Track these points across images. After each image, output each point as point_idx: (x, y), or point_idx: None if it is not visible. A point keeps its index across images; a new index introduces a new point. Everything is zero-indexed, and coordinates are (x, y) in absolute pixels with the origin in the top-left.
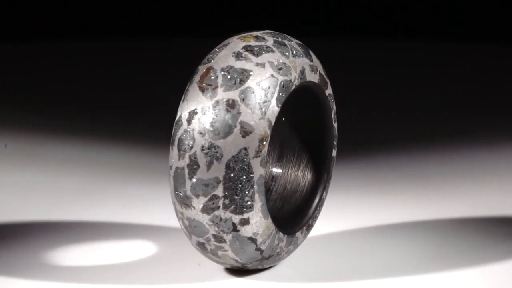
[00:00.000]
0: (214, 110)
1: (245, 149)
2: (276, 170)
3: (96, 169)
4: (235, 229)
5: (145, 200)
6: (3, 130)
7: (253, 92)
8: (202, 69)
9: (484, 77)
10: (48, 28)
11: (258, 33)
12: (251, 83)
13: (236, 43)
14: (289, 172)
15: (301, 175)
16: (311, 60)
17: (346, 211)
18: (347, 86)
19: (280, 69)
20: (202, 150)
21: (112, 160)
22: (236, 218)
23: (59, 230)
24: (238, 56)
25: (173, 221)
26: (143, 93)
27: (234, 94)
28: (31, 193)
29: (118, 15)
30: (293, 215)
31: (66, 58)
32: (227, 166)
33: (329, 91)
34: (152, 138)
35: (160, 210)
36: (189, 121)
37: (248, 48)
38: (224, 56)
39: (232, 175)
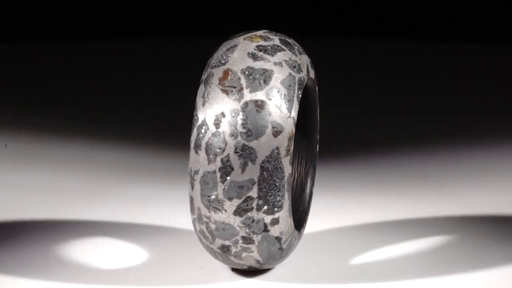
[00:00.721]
0: (244, 111)
1: (277, 148)
2: None
3: (96, 169)
4: (265, 229)
5: (145, 201)
6: (3, 130)
7: (278, 91)
8: (217, 71)
9: (484, 78)
10: (48, 29)
11: (260, 32)
12: (274, 82)
13: (246, 44)
14: None
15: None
16: (309, 57)
17: (346, 211)
18: (346, 86)
19: (294, 67)
20: (236, 152)
21: (112, 160)
22: (268, 219)
23: (59, 230)
24: (254, 56)
25: (173, 221)
26: (143, 94)
27: (261, 95)
28: (31, 193)
29: (118, 15)
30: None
31: (66, 59)
32: (262, 167)
33: (317, 86)
34: (152, 138)
35: (160, 211)
36: (217, 125)
37: (261, 48)
38: (240, 58)
39: (266, 175)
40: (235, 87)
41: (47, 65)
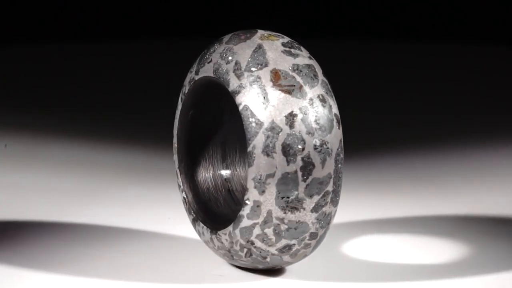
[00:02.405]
0: (313, 108)
1: (340, 139)
2: (225, 172)
3: (96, 170)
4: (329, 222)
5: (144, 201)
6: (3, 130)
7: (326, 85)
8: (264, 73)
9: (484, 78)
10: (48, 29)
11: (265, 32)
12: (321, 76)
13: (270, 43)
14: (237, 170)
15: (240, 171)
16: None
17: (346, 211)
18: (346, 86)
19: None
20: (315, 149)
21: (112, 161)
22: (334, 211)
23: (58, 231)
24: (291, 54)
25: (172, 222)
26: (143, 94)
27: (319, 89)
28: (30, 194)
29: (118, 16)
30: None
31: (66, 59)
32: (336, 160)
33: None
34: (152, 139)
35: (160, 211)
36: (291, 125)
37: (289, 46)
38: (279, 57)
39: (336, 168)
40: (294, 86)
41: (47, 65)
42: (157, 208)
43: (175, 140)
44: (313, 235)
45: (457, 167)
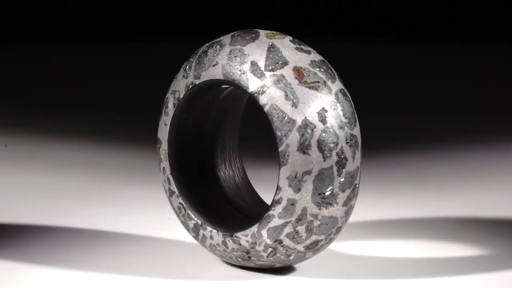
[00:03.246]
0: (339, 102)
1: (359, 132)
2: (221, 173)
3: (96, 170)
4: (350, 214)
5: (144, 201)
6: (3, 131)
7: (339, 77)
8: (286, 71)
9: (484, 78)
10: (47, 30)
11: (266, 31)
12: (334, 71)
13: (281, 42)
14: (221, 173)
15: (231, 172)
16: None
17: None
18: (346, 86)
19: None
20: (347, 143)
21: (112, 161)
22: (355, 203)
23: (58, 231)
24: (304, 51)
25: (172, 221)
26: (143, 94)
27: (339, 84)
28: (30, 194)
29: (117, 16)
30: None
31: (66, 60)
32: (361, 153)
33: None
34: (152, 139)
35: (160, 211)
36: (323, 121)
37: (297, 43)
38: (295, 54)
39: (361, 160)
40: (319, 82)
41: (47, 65)
42: (157, 208)
43: (164, 146)
44: (338, 230)
45: (457, 167)
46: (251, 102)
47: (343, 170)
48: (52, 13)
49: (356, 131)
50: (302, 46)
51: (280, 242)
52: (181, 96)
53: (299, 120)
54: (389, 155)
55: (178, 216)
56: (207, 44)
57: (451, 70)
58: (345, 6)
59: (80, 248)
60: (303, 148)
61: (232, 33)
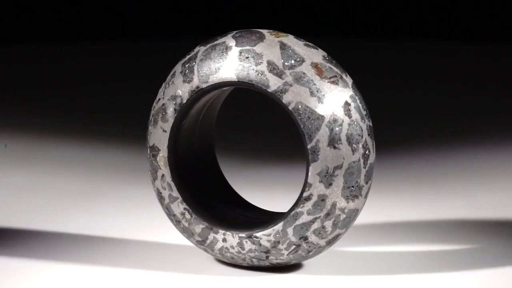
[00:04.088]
0: (356, 95)
1: None
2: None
3: (96, 171)
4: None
5: (144, 201)
6: (3, 131)
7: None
8: (305, 68)
9: (484, 78)
10: (48, 30)
11: (267, 30)
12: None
13: (288, 39)
14: (223, 176)
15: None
16: None
17: None
18: None
19: None
20: (368, 134)
21: (112, 161)
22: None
23: (58, 231)
24: (311, 47)
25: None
26: (144, 94)
27: (349, 76)
28: (30, 194)
29: (117, 16)
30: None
31: (66, 60)
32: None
33: None
34: None
35: (160, 211)
36: (348, 114)
37: (302, 40)
38: (307, 51)
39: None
40: (336, 76)
41: (47, 65)
42: (157, 208)
43: (163, 152)
44: (353, 221)
45: (457, 167)
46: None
47: (368, 162)
48: (52, 13)
49: (371, 122)
50: (308, 43)
51: (306, 238)
52: (184, 101)
53: (327, 116)
54: (388, 155)
55: (179, 222)
56: (204, 47)
57: (451, 70)
58: (344, 6)
59: (79, 248)
60: (334, 143)
61: (231, 34)
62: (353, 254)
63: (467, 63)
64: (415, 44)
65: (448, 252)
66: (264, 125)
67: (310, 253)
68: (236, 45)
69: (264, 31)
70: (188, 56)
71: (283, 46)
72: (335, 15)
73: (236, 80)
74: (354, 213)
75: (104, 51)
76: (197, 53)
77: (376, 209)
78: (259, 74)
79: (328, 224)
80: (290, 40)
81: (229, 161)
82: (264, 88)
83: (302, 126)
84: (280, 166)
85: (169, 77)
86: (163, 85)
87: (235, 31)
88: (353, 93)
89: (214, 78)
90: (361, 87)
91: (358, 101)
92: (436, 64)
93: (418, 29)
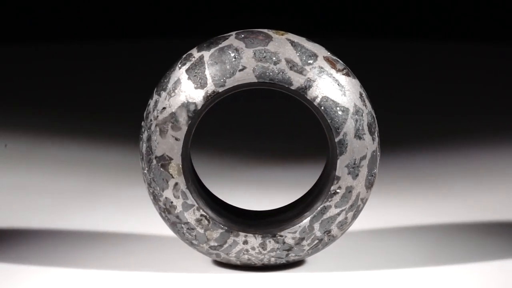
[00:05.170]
0: (361, 85)
1: None
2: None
3: (97, 170)
4: None
5: (144, 201)
6: (3, 131)
7: None
8: (321, 63)
9: (484, 78)
10: (48, 30)
11: (268, 29)
12: None
13: (292, 36)
14: None
15: None
16: None
17: None
18: None
19: None
20: (376, 123)
21: (112, 161)
22: None
23: (58, 231)
24: (313, 42)
25: None
26: (144, 94)
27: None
28: (30, 194)
29: (117, 16)
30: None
31: (65, 59)
32: None
33: None
34: None
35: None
36: (365, 105)
37: (302, 36)
38: (313, 46)
39: None
40: (346, 68)
41: (46, 66)
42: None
43: (177, 161)
44: None
45: (458, 167)
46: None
47: (380, 150)
48: (52, 13)
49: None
50: (306, 38)
51: (329, 232)
52: (199, 107)
53: (351, 108)
54: (388, 154)
55: (192, 229)
56: (207, 52)
57: (451, 70)
58: (344, 6)
59: (79, 248)
60: (359, 134)
61: (232, 36)
62: (353, 252)
63: (467, 63)
64: (415, 44)
65: (448, 252)
66: (264, 125)
67: (326, 247)
68: (247, 46)
69: (265, 30)
70: (189, 63)
71: (293, 43)
72: (335, 15)
73: (256, 81)
74: (366, 202)
75: (104, 51)
76: (201, 58)
77: (376, 208)
78: (280, 73)
79: (350, 215)
80: (294, 37)
81: (230, 162)
82: (286, 86)
83: (329, 121)
84: (278, 166)
85: (169, 85)
86: (163, 95)
87: (233, 33)
88: (360, 84)
89: (232, 81)
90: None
91: (363, 90)
92: (436, 64)
93: (418, 29)
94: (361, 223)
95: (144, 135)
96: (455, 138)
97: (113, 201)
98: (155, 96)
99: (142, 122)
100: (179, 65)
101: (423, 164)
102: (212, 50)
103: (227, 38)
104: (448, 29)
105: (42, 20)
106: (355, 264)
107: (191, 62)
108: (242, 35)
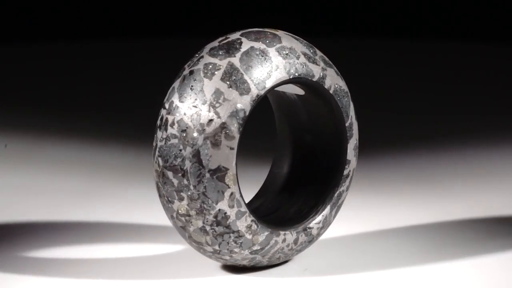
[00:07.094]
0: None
1: None
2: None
3: (96, 170)
4: None
5: (144, 200)
6: (3, 131)
7: None
8: (319, 51)
9: (484, 78)
10: (48, 29)
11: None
12: None
13: (284, 32)
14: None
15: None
16: None
17: (347, 211)
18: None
19: None
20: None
21: (112, 161)
22: None
23: (58, 231)
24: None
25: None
26: (144, 94)
27: None
28: (30, 194)
29: (117, 16)
30: None
31: (65, 60)
32: None
33: None
34: (151, 139)
35: (160, 211)
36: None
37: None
38: (300, 39)
39: None
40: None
41: (47, 66)
42: (158, 208)
43: (232, 170)
44: None
45: (458, 167)
46: None
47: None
48: (52, 13)
49: None
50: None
51: (335, 216)
52: (247, 113)
53: (348, 91)
54: (388, 155)
55: (240, 237)
56: (232, 58)
57: (451, 70)
58: (343, 6)
59: (79, 248)
60: (356, 115)
61: (241, 39)
62: (353, 252)
63: (467, 63)
64: (415, 44)
65: (448, 251)
66: (264, 125)
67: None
68: (268, 46)
69: (266, 29)
70: (221, 70)
71: (296, 39)
72: (335, 15)
73: (288, 77)
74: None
75: (104, 51)
76: (231, 65)
77: (376, 208)
78: (304, 66)
79: (345, 194)
80: (286, 32)
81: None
82: (310, 78)
83: (341, 106)
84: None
85: (210, 97)
86: (207, 107)
87: (237, 34)
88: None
89: (270, 82)
90: (361, 87)
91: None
92: (436, 64)
93: (418, 29)
94: (360, 223)
95: (187, 152)
96: (455, 138)
97: (113, 201)
98: (203, 109)
99: (159, 142)
100: (208, 74)
101: (423, 164)
102: (238, 55)
103: (239, 42)
104: (448, 29)
105: (42, 20)
106: (355, 264)
107: (223, 69)
108: (254, 36)
